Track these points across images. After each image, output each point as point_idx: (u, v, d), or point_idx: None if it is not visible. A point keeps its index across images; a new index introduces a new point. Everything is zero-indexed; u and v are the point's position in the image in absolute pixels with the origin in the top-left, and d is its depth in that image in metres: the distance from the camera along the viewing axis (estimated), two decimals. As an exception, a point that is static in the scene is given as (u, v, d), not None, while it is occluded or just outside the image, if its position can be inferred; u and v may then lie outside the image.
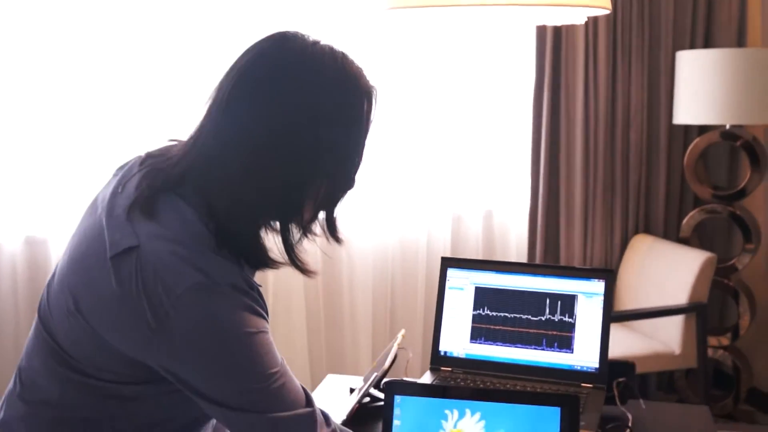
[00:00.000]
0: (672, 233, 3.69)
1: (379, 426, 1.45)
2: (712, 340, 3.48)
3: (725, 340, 3.51)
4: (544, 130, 3.52)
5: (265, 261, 1.22)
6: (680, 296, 3.22)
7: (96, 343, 1.15)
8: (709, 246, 3.62)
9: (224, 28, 3.08)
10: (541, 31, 3.47)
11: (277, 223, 1.22)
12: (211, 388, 1.13)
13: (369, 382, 1.63)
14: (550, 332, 1.68)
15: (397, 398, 1.24)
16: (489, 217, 3.64)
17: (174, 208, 1.16)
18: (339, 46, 1.20)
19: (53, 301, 1.22)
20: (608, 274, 1.69)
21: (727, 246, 3.73)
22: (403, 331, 1.78)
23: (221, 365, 1.11)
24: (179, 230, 1.14)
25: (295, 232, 1.23)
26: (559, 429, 1.20)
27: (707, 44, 3.63)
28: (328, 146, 1.16)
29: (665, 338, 3.28)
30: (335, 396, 1.75)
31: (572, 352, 1.66)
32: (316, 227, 1.25)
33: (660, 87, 3.61)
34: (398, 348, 1.71)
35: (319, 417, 1.20)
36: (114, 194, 1.21)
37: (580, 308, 1.67)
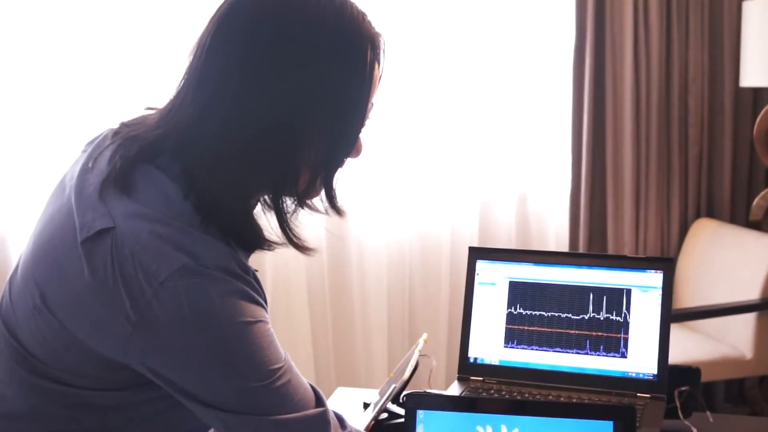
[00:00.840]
0: (740, 217, 3.68)
1: (399, 446, 1.45)
2: (790, 343, 3.46)
3: (805, 342, 3.49)
4: (586, 100, 3.51)
5: (258, 240, 1.22)
6: (752, 291, 3.20)
7: (67, 342, 1.15)
8: (784, 231, 3.60)
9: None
10: (582, -20, 3.45)
11: (270, 195, 1.23)
12: (205, 388, 1.13)
13: (386, 396, 1.63)
14: (600, 333, 1.67)
15: (420, 413, 1.24)
16: (523, 202, 3.64)
17: (152, 181, 1.16)
18: None
19: (16, 297, 1.22)
20: (667, 264, 1.68)
21: (807, 231, 3.71)
22: (425, 336, 1.78)
23: (215, 361, 1.12)
24: (160, 207, 1.14)
25: (290, 204, 1.24)
26: (612, 446, 1.19)
27: (779, -8, 3.60)
28: (324, 96, 1.17)
29: (734, 340, 3.26)
30: (347, 413, 1.74)
31: (626, 357, 1.66)
32: (314, 199, 1.26)
33: (723, 44, 3.60)
34: (420, 355, 1.71)
35: (333, 418, 1.21)
36: (84, 171, 1.21)
37: (634, 305, 1.66)
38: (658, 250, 3.64)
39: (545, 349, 1.70)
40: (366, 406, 1.72)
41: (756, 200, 3.56)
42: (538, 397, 1.64)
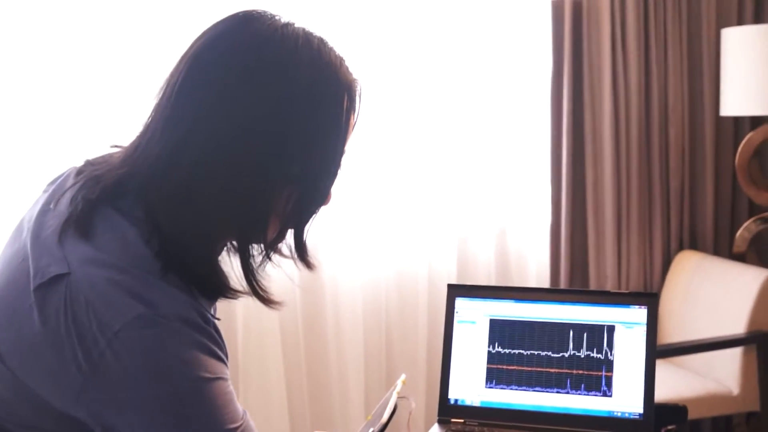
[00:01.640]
0: (723, 248, 3.70)
1: (379, 493, 1.43)
2: (778, 377, 3.47)
3: (793, 377, 3.51)
4: (565, 128, 3.53)
5: (221, 288, 1.21)
6: (737, 324, 3.22)
7: (18, 393, 1.14)
8: (769, 263, 3.63)
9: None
10: (558, 6, 3.48)
11: (235, 243, 1.22)
12: None
13: (364, 440, 1.62)
14: (581, 371, 1.67)
15: (400, 458, 1.23)
16: (502, 237, 3.64)
17: (112, 225, 1.15)
18: (317, 31, 1.20)
19: None
20: (651, 299, 1.68)
21: (791, 262, 3.74)
22: (403, 377, 1.77)
23: (169, 419, 1.10)
24: (118, 253, 1.13)
25: (257, 254, 1.22)
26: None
27: (758, 19, 3.66)
28: (297, 146, 1.16)
29: (721, 376, 3.27)
30: (323, 459, 1.73)
31: (610, 396, 1.66)
32: (283, 248, 1.25)
33: (703, 72, 3.64)
34: (398, 397, 1.70)
35: None
36: (43, 212, 1.20)
37: (618, 341, 1.66)
38: (641, 284, 3.65)
39: (526, 389, 1.69)
40: (343, 451, 1.71)
41: (739, 231, 3.59)
42: (521, 439, 1.64)
